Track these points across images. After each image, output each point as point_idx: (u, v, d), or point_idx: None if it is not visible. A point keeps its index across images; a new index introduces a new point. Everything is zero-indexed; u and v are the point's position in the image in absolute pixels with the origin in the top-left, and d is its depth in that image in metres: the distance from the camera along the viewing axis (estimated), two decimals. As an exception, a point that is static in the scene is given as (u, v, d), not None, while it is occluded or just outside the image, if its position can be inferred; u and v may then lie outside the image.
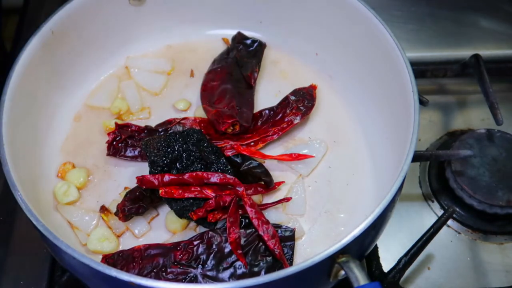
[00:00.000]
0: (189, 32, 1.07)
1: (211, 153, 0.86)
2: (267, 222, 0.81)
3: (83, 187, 0.89)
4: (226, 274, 0.78)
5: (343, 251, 0.67)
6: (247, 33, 1.05)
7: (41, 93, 0.91)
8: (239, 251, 0.78)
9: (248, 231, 0.82)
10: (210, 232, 0.81)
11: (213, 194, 0.82)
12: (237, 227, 0.80)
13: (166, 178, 0.82)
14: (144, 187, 0.82)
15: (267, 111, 0.95)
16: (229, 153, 0.87)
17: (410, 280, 0.94)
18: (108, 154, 0.91)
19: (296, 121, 0.93)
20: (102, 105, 0.99)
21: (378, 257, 0.93)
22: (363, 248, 0.78)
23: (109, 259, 0.80)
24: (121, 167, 0.92)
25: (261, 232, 0.80)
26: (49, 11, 0.93)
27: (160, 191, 0.81)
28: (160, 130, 0.92)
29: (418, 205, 1.03)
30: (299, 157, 0.90)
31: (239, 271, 0.78)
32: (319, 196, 0.89)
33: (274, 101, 0.96)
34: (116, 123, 0.92)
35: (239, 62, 1.00)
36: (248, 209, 0.81)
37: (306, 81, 0.99)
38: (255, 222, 0.81)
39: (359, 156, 0.93)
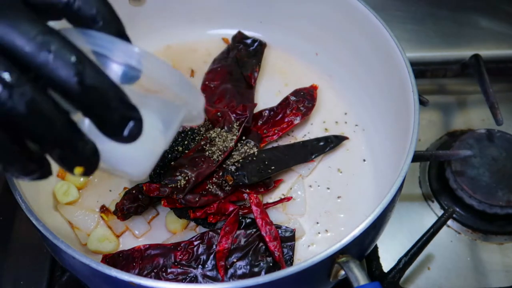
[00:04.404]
0: (189, 32, 1.07)
1: (211, 153, 0.86)
2: (271, 223, 0.81)
3: (83, 187, 0.89)
4: (226, 274, 0.78)
5: (343, 251, 0.67)
6: (247, 33, 1.05)
7: (41, 93, 0.91)
8: (222, 263, 0.78)
9: (248, 231, 0.82)
10: (211, 232, 0.81)
11: (222, 195, 0.82)
12: (229, 238, 0.80)
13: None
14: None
15: (267, 111, 0.95)
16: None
17: (410, 280, 0.94)
18: (108, 154, 0.91)
19: (296, 122, 0.93)
20: (102, 105, 0.98)
21: (378, 257, 0.93)
22: (363, 248, 0.78)
23: (109, 259, 0.80)
24: (121, 167, 0.91)
25: (263, 233, 0.80)
26: (49, 11, 0.92)
27: (162, 202, 0.81)
28: (160, 130, 0.92)
29: (418, 205, 1.03)
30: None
31: (239, 272, 0.78)
32: (319, 196, 0.89)
33: (274, 101, 0.96)
34: (116, 123, 0.91)
35: (239, 62, 1.00)
36: (254, 208, 0.81)
37: (306, 81, 0.99)
38: (259, 221, 0.81)
39: (359, 156, 0.93)
